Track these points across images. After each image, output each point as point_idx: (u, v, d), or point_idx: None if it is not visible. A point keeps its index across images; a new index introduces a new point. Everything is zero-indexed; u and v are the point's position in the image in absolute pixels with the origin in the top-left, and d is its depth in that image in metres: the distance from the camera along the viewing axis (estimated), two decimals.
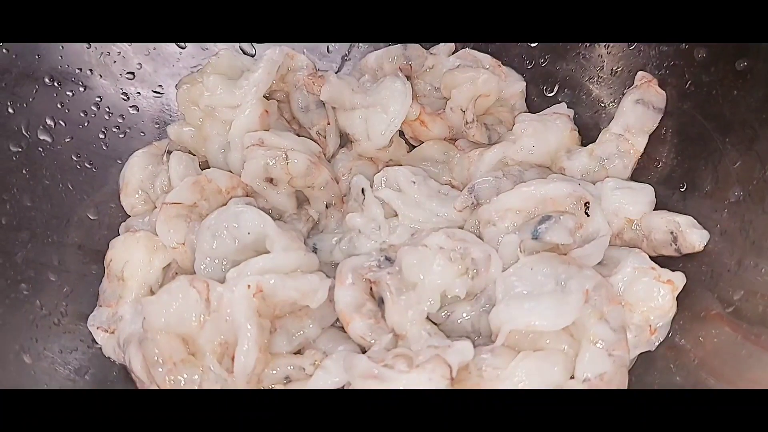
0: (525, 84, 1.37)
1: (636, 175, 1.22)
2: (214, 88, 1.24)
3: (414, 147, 1.35)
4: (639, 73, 1.23)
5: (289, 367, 1.04)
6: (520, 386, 0.95)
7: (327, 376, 1.01)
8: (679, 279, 1.03)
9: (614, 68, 1.29)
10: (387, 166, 1.28)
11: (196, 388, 1.00)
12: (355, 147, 1.31)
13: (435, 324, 1.07)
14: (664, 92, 1.20)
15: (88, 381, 1.11)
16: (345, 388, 1.02)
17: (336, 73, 1.39)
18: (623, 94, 1.25)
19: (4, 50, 1.14)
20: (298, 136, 1.29)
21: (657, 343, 1.05)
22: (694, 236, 1.06)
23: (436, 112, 1.33)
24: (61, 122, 1.23)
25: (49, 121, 1.21)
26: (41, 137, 1.20)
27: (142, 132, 1.35)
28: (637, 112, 1.20)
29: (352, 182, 1.24)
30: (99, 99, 1.29)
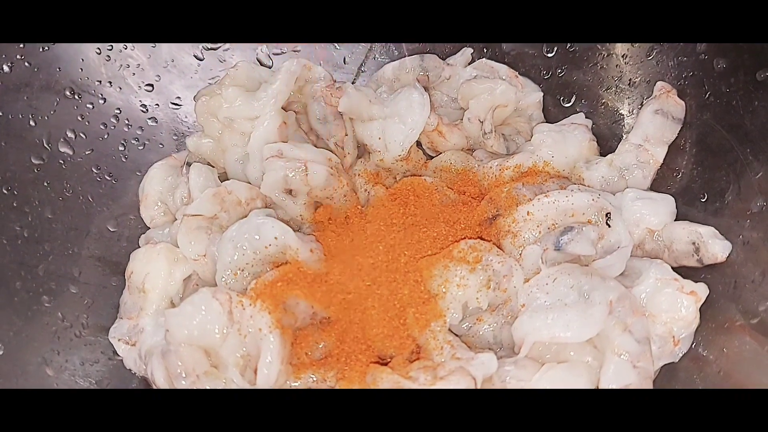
0: (542, 94, 1.37)
1: (655, 186, 1.22)
2: (232, 100, 1.24)
3: (432, 158, 1.35)
4: (658, 83, 1.23)
5: (311, 379, 1.04)
6: None
7: (349, 386, 1.00)
8: (702, 290, 1.03)
9: (632, 78, 1.29)
10: (405, 176, 1.28)
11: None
12: (373, 158, 1.31)
13: (457, 335, 1.07)
14: (683, 102, 1.20)
15: None
16: None
17: (352, 83, 1.39)
18: (641, 105, 1.26)
19: (26, 63, 1.15)
20: (316, 147, 1.29)
21: (680, 355, 1.05)
22: (716, 247, 1.06)
23: (453, 123, 1.33)
24: (82, 134, 1.23)
25: (69, 134, 1.22)
26: (62, 149, 1.20)
27: (161, 144, 1.35)
28: (656, 123, 1.21)
29: (370, 193, 1.24)
30: (118, 111, 1.29)
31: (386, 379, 0.96)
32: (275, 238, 1.10)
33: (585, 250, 1.06)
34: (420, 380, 0.94)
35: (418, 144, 1.36)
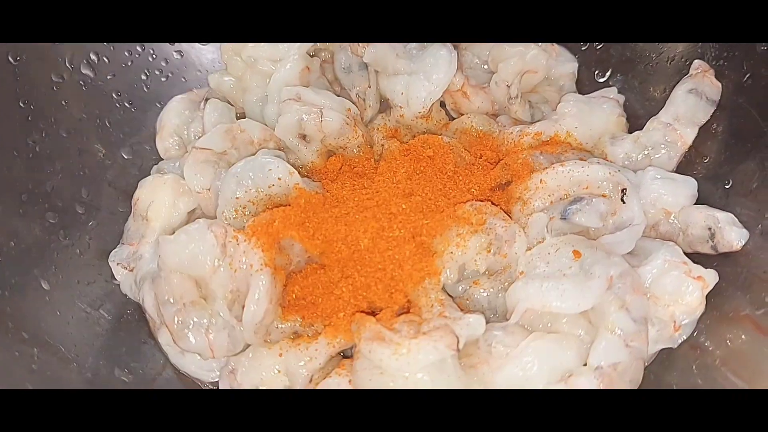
0: (577, 65, 1.32)
1: (680, 169, 1.17)
2: None
3: (454, 119, 1.31)
4: (695, 61, 1.17)
5: (298, 324, 1.02)
6: (529, 367, 0.92)
7: (335, 332, 0.99)
8: (711, 277, 0.98)
9: (671, 56, 1.24)
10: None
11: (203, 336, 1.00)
12: (394, 113, 1.29)
13: (451, 296, 1.04)
14: (719, 84, 1.14)
15: (103, 314, 1.12)
16: (351, 352, 1.01)
17: None
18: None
19: None
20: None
21: (680, 341, 1.00)
22: (732, 234, 1.01)
23: (480, 85, 1.30)
24: (105, 58, 1.24)
25: (92, 56, 1.22)
26: (84, 71, 1.21)
27: (184, 78, 1.35)
28: (688, 102, 1.15)
29: (385, 147, 1.22)
30: (147, 42, 1.29)
31: (369, 328, 0.94)
32: (279, 178, 1.09)
33: (591, 221, 1.02)
34: (402, 332, 0.92)
35: (442, 104, 1.33)
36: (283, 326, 1.02)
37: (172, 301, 1.00)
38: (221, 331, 1.01)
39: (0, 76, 1.10)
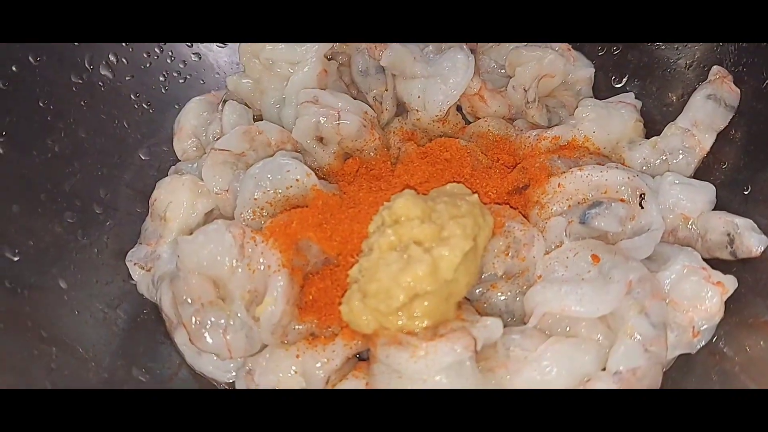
0: (594, 71, 1.32)
1: (698, 175, 1.16)
2: (276, 42, 1.23)
3: (471, 123, 1.31)
4: (714, 67, 1.17)
5: (315, 325, 1.02)
6: (547, 371, 0.91)
7: (352, 334, 0.99)
8: (730, 282, 0.97)
9: (689, 62, 1.23)
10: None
11: (220, 334, 1.00)
12: (411, 116, 1.29)
13: (468, 299, 1.04)
14: (738, 90, 1.14)
15: (120, 314, 1.12)
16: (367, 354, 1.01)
17: None
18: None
19: None
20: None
21: (699, 346, 1.00)
22: (752, 240, 1.00)
23: (497, 89, 1.30)
24: (124, 60, 1.24)
25: (111, 58, 1.23)
26: (102, 72, 1.22)
27: (202, 80, 1.36)
28: (707, 108, 1.15)
29: (402, 150, 1.22)
30: (163, 42, 1.30)
31: (387, 332, 0.94)
32: (297, 179, 1.09)
33: (611, 226, 1.02)
34: (419, 335, 0.92)
35: (459, 108, 1.33)
36: (300, 327, 1.02)
37: (189, 301, 1.00)
38: (239, 332, 1.01)
39: (20, 77, 1.11)
